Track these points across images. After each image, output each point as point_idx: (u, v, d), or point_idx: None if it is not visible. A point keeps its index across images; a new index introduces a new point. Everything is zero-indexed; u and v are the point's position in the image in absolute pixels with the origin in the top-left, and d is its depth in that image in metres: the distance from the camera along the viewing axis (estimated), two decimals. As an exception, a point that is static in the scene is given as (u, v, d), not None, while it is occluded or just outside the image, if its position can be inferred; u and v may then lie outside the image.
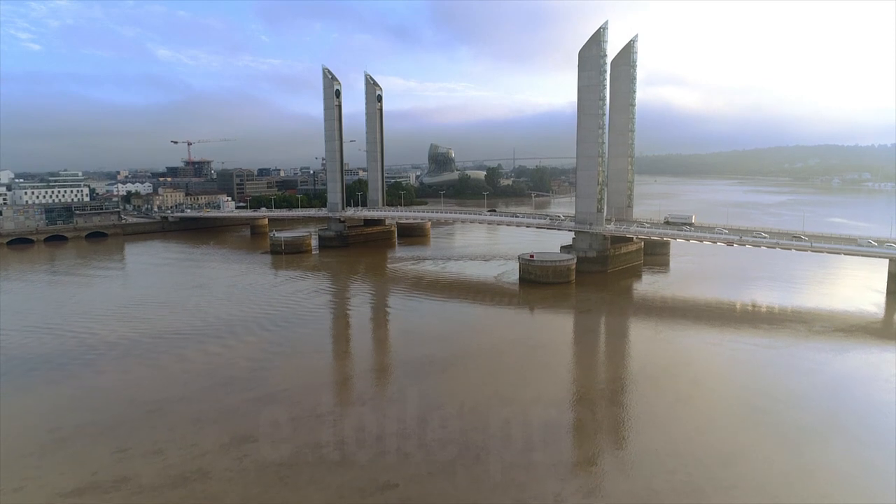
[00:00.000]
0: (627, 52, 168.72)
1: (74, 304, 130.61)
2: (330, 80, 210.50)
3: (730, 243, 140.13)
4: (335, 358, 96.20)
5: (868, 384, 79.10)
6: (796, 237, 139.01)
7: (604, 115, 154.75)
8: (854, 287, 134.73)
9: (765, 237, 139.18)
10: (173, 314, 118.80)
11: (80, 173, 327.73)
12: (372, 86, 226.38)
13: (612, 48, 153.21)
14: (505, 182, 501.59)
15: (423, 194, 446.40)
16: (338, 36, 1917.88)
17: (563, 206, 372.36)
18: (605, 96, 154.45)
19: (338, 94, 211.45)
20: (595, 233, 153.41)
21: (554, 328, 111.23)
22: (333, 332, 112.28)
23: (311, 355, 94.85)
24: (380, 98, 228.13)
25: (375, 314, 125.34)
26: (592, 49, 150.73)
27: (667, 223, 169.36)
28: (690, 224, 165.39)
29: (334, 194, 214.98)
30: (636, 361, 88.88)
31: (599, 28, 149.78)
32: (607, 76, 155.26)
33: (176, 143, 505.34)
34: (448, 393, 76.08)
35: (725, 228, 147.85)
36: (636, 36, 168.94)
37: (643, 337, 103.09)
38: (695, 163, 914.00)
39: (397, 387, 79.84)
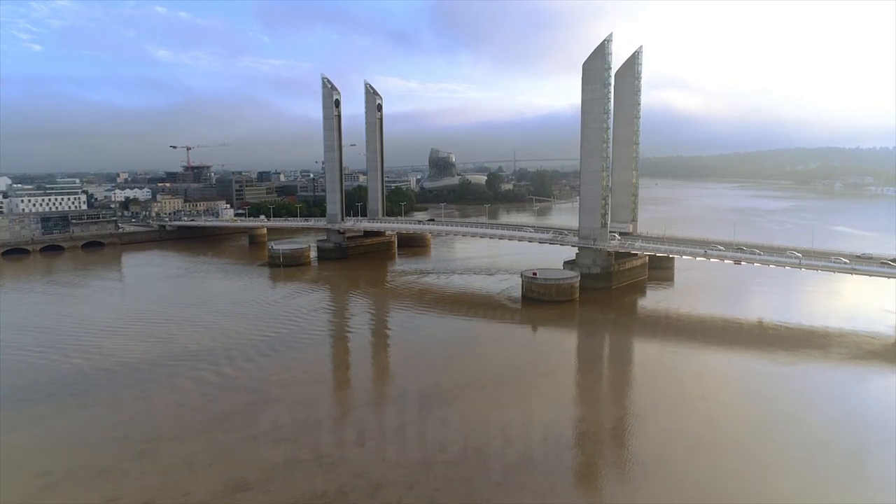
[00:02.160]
0: (632, 64, 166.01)
1: (66, 323, 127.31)
2: (329, 89, 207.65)
3: (738, 262, 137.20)
4: (335, 388, 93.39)
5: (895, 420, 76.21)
6: (804, 255, 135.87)
7: (608, 128, 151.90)
8: (863, 305, 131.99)
9: (773, 256, 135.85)
10: (171, 337, 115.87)
11: (77, 180, 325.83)
12: (372, 95, 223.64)
13: (614, 53, 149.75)
14: (506, 187, 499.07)
15: (423, 200, 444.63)
16: (338, 38, 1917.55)
17: (564, 213, 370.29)
18: (609, 109, 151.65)
19: (337, 103, 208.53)
20: (599, 249, 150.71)
21: (560, 354, 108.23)
22: (333, 357, 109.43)
23: (311, 385, 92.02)
24: (380, 107, 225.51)
25: (376, 337, 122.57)
26: (597, 62, 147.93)
27: None
28: (628, 233, 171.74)
29: (333, 205, 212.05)
30: (646, 394, 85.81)
31: (604, 41, 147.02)
32: (611, 89, 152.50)
33: (175, 147, 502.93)
34: (452, 432, 73.14)
35: (736, 247, 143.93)
36: (641, 47, 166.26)
37: (653, 365, 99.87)
38: (696, 165, 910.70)
39: (399, 424, 77.01)
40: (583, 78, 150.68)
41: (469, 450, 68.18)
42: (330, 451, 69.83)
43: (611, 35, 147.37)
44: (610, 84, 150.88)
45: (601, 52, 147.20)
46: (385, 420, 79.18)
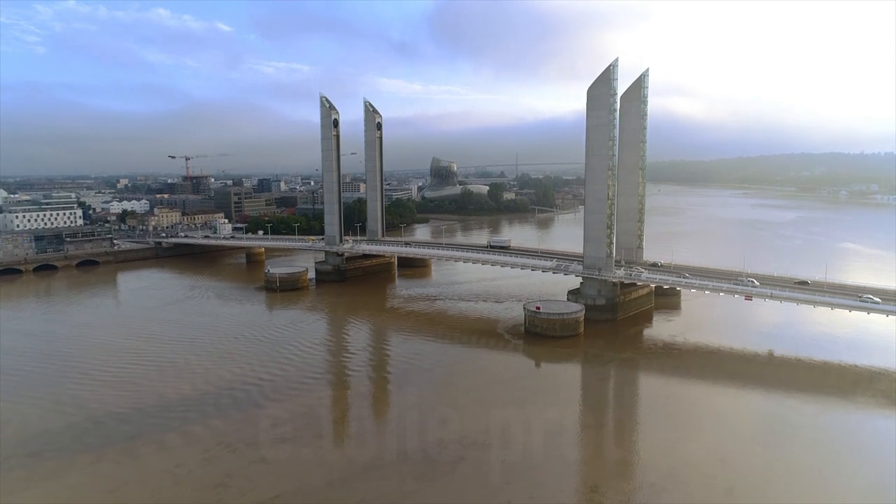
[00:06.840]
0: (637, 88, 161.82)
1: (57, 361, 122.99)
2: (327, 108, 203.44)
3: (749, 297, 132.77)
4: (334, 445, 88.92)
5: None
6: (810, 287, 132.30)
7: (613, 155, 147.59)
8: (872, 332, 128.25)
9: (784, 291, 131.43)
10: (179, 377, 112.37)
11: (73, 195, 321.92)
12: (371, 113, 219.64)
13: (616, 60, 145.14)
14: (508, 196, 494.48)
15: (424, 209, 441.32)
16: (338, 46, 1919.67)
17: (567, 224, 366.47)
18: (614, 136, 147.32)
19: (336, 123, 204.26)
20: (604, 279, 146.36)
21: (568, 404, 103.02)
22: (334, 406, 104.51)
23: (310, 441, 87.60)
24: (379, 125, 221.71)
25: (378, 378, 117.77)
26: (602, 87, 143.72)
27: (489, 247, 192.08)
28: (508, 248, 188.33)
29: (332, 227, 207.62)
30: (661, 456, 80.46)
31: (609, 66, 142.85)
32: (617, 115, 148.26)
33: (173, 157, 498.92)
34: (455, 506, 69.08)
35: (752, 279, 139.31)
36: (647, 70, 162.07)
37: (666, 417, 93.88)
38: (699, 169, 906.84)
39: (400, 495, 72.62)
40: (587, 104, 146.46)
41: (474, 531, 64.11)
42: (325, 531, 65.73)
43: (616, 60, 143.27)
44: (615, 110, 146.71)
45: (606, 78, 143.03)
46: (385, 487, 74.80)
